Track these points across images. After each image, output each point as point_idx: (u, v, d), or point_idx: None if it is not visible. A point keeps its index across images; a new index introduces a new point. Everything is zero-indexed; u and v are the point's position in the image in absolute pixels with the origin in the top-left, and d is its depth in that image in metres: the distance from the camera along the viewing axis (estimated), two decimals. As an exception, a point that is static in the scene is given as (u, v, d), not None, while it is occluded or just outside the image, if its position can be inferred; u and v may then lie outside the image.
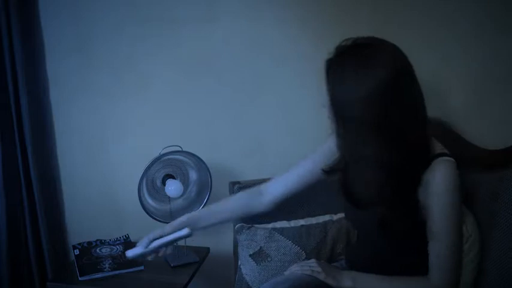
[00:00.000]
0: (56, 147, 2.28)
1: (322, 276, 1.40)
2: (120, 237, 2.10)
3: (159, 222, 1.96)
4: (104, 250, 2.00)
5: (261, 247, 1.71)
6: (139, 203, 1.89)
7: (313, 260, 1.52)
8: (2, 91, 2.09)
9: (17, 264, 2.19)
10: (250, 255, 1.71)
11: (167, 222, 1.96)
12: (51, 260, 2.24)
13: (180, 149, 1.93)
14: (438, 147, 1.33)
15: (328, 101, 1.32)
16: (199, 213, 1.71)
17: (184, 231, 1.56)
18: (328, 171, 1.48)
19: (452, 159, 1.30)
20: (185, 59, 2.11)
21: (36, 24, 2.13)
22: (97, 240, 2.07)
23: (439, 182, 1.27)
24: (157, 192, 2.02)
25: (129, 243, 2.06)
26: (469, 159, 1.58)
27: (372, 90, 1.23)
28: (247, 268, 1.71)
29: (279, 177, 1.63)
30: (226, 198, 1.72)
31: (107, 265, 1.90)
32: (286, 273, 1.53)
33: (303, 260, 1.65)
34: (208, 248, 2.11)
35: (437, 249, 1.29)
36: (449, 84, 1.96)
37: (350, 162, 1.40)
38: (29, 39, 2.09)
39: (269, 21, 2.03)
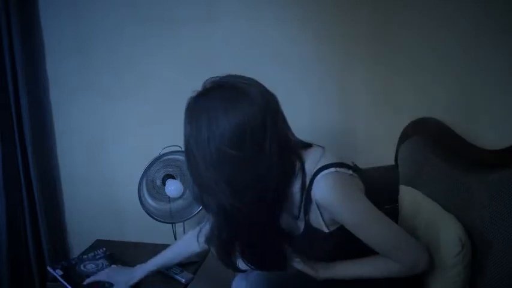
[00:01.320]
0: (56, 147, 2.28)
1: (300, 266, 1.40)
2: (97, 252, 1.98)
3: (158, 223, 1.96)
4: (89, 267, 1.88)
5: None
6: (139, 203, 1.89)
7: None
8: (2, 91, 2.09)
9: (17, 264, 2.20)
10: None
11: (167, 222, 1.96)
12: (51, 260, 2.24)
13: (180, 149, 1.93)
14: (315, 161, 1.29)
15: (183, 142, 1.27)
16: (160, 265, 1.76)
17: None
18: None
19: (331, 170, 1.26)
20: (185, 59, 2.11)
21: (36, 24, 2.13)
22: (72, 259, 1.96)
23: (326, 199, 1.25)
24: (157, 192, 2.01)
25: (110, 256, 1.96)
26: (469, 159, 1.58)
27: (222, 138, 1.19)
28: (245, 267, 1.71)
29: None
30: (170, 247, 1.77)
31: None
32: None
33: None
34: (208, 248, 2.10)
35: (375, 246, 1.29)
36: (449, 84, 1.96)
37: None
38: (29, 39, 2.10)
39: (269, 21, 2.03)
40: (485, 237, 1.38)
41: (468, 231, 1.41)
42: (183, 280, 1.80)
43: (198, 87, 2.11)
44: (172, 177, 1.99)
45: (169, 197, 1.97)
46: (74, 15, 2.14)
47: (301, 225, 1.35)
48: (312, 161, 1.30)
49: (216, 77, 1.28)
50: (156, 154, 1.89)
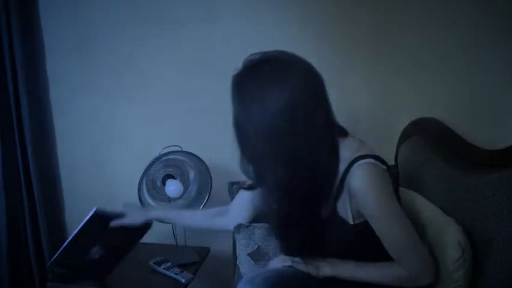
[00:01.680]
0: (56, 147, 2.28)
1: (302, 267, 1.39)
2: None
3: (158, 223, 1.95)
4: None
5: (259, 246, 1.70)
6: (139, 203, 1.89)
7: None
8: (2, 91, 2.09)
9: (17, 264, 2.19)
10: (248, 254, 1.71)
11: (167, 222, 1.96)
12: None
13: (180, 149, 1.93)
14: (354, 150, 1.29)
15: (232, 119, 1.27)
16: (174, 216, 1.79)
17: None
18: (247, 188, 1.47)
19: (370, 160, 1.27)
20: (185, 59, 2.11)
21: (36, 24, 2.13)
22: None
23: (360, 187, 1.25)
24: (157, 192, 2.01)
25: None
26: (469, 159, 1.58)
27: (268, 112, 1.19)
28: (246, 267, 1.71)
29: (243, 196, 1.60)
30: (199, 210, 1.80)
31: None
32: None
33: None
34: (208, 248, 2.11)
35: (389, 245, 1.29)
36: (449, 84, 1.96)
37: (255, 184, 1.38)
38: (29, 39, 2.10)
39: (269, 21, 2.03)
40: (485, 237, 1.37)
41: (468, 231, 1.41)
42: (183, 280, 1.80)
43: (198, 87, 2.14)
44: (172, 177, 1.99)
45: (169, 197, 1.97)
46: (74, 15, 2.14)
47: (327, 212, 1.33)
48: (349, 148, 1.30)
49: (256, 53, 1.26)
50: (156, 154, 1.89)
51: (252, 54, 1.26)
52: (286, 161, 1.23)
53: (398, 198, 1.38)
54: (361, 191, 1.25)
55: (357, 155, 1.27)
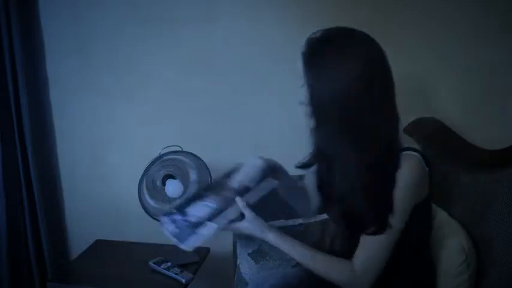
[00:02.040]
0: (56, 147, 2.28)
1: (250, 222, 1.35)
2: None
3: (158, 223, 1.95)
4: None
5: (259, 245, 1.70)
6: (139, 203, 1.89)
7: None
8: (2, 91, 2.09)
9: (17, 264, 2.19)
10: (249, 254, 1.71)
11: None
12: (51, 260, 2.24)
13: (180, 149, 1.93)
14: (405, 141, 1.30)
15: (305, 96, 1.29)
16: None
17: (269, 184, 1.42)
18: (301, 167, 1.47)
19: (416, 154, 1.27)
20: (185, 59, 2.11)
21: (36, 24, 2.13)
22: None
23: (401, 174, 1.24)
24: (157, 192, 2.01)
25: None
26: (469, 159, 1.58)
27: (346, 84, 1.20)
28: (246, 267, 1.71)
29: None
30: None
31: None
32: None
33: None
34: (208, 248, 2.10)
35: (365, 238, 1.27)
36: (449, 85, 1.96)
37: (325, 157, 1.38)
38: (29, 39, 2.10)
39: (269, 21, 2.03)
40: (485, 237, 1.38)
41: (469, 232, 1.41)
42: (183, 280, 1.80)
43: (198, 87, 2.14)
44: (172, 177, 1.99)
45: (169, 197, 1.97)
46: (74, 15, 2.14)
47: None
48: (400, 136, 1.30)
49: (316, 31, 1.28)
50: (156, 154, 1.89)
51: (313, 33, 1.28)
52: (363, 133, 1.23)
53: (430, 207, 1.37)
54: (400, 179, 1.24)
55: (407, 145, 1.28)
